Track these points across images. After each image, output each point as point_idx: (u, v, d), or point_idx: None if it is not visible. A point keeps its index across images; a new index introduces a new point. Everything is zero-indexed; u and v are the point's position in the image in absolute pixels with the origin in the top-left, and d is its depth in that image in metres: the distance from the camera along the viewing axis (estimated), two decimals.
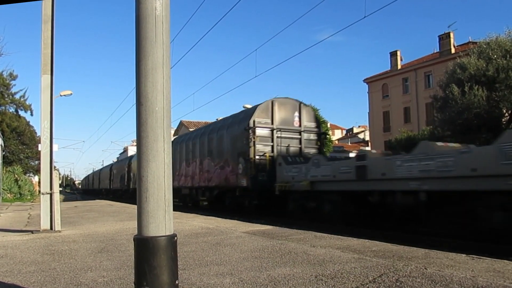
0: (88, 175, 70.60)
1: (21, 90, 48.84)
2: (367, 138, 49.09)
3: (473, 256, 4.41)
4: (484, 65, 18.24)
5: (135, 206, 2.33)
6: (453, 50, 33.81)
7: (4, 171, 34.09)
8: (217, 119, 22.03)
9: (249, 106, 20.44)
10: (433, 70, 35.60)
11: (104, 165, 59.33)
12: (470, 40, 32.73)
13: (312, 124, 14.35)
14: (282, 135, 13.61)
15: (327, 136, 20.32)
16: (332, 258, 4.41)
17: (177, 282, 2.20)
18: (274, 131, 13.45)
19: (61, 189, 52.20)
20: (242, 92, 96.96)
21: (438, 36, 36.14)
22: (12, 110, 41.98)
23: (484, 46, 19.08)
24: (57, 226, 7.90)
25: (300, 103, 14.30)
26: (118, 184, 35.22)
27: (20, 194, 35.10)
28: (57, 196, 7.99)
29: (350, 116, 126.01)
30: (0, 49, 36.40)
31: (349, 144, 49.82)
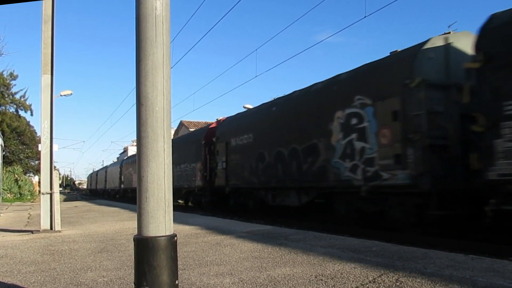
0: (91, 174, 62.35)
1: (21, 90, 48.94)
2: None
3: (473, 256, 4.41)
4: None
5: (135, 206, 2.33)
6: None
7: (4, 171, 34.10)
8: (217, 119, 22.09)
9: (249, 106, 20.49)
10: None
11: (104, 165, 58.35)
12: None
13: None
14: None
15: None
16: (332, 258, 4.41)
17: (177, 282, 2.20)
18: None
19: (61, 189, 50.54)
20: (242, 92, 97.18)
21: None
22: (12, 110, 42.08)
23: None
24: (57, 226, 7.90)
25: None
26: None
27: (20, 194, 35.12)
28: (57, 196, 7.98)
29: None
30: (0, 49, 36.47)
31: None
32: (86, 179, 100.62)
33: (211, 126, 17.19)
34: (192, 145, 18.06)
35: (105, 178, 41.52)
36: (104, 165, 56.68)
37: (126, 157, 39.65)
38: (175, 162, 19.38)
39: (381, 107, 7.88)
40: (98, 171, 53.68)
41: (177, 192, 19.71)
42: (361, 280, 3.47)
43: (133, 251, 2.23)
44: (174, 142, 22.28)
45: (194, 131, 21.09)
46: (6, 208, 18.81)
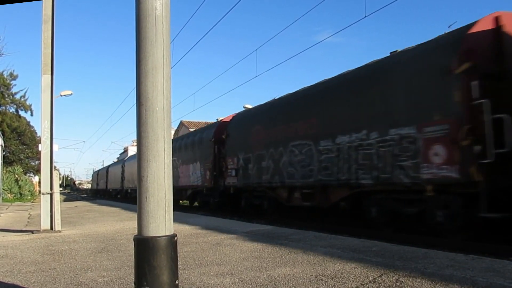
0: (99, 171, 51.21)
1: (21, 90, 48.83)
2: None
3: (473, 256, 4.41)
4: None
5: (135, 206, 2.33)
6: None
7: (5, 171, 34.12)
8: (217, 119, 22.01)
9: (249, 106, 20.43)
10: None
11: (104, 165, 57.13)
12: None
13: None
14: None
15: None
16: (332, 258, 4.41)
17: (177, 282, 2.21)
18: None
19: (61, 189, 47.79)
20: (242, 92, 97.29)
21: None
22: (12, 110, 42.12)
23: None
24: (57, 226, 7.91)
25: None
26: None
27: (21, 194, 35.14)
28: (57, 196, 7.99)
29: None
30: (1, 49, 36.48)
31: None
32: (86, 179, 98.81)
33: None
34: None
35: (122, 175, 31.82)
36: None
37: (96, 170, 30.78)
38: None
39: None
40: (109, 166, 42.75)
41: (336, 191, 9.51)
42: (361, 280, 3.47)
43: (133, 251, 2.23)
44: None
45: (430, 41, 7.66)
46: (7, 208, 18.82)
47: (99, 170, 51.95)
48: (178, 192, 18.64)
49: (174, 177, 19.40)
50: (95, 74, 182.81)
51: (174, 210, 2.30)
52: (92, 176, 60.10)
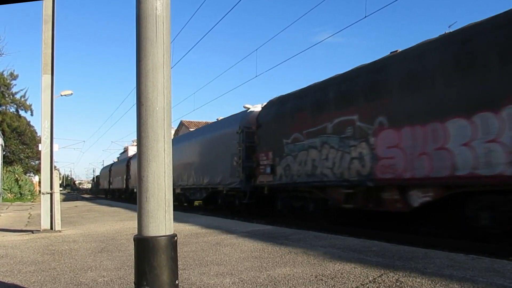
0: (111, 166, 41.07)
1: (21, 90, 48.91)
2: None
3: (473, 256, 4.41)
4: None
5: (135, 206, 2.33)
6: None
7: (5, 171, 34.12)
8: (217, 119, 21.92)
9: (249, 106, 20.38)
10: None
11: (104, 165, 56.18)
12: None
13: None
14: None
15: None
16: (332, 258, 4.41)
17: (177, 282, 2.21)
18: None
19: (61, 189, 45.65)
20: (242, 92, 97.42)
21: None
22: (12, 110, 42.13)
23: None
24: (58, 226, 7.91)
25: None
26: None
27: (21, 194, 35.13)
28: (57, 196, 7.99)
29: None
30: (1, 49, 36.52)
31: None
32: (86, 179, 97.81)
33: None
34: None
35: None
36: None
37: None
38: None
39: None
40: (131, 158, 31.97)
41: None
42: (361, 280, 3.47)
43: (133, 251, 2.23)
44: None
45: None
46: (7, 208, 18.82)
47: (112, 165, 42.36)
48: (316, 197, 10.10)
49: (306, 164, 10.92)
50: (95, 74, 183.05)
51: (174, 210, 2.30)
52: (101, 173, 49.64)
